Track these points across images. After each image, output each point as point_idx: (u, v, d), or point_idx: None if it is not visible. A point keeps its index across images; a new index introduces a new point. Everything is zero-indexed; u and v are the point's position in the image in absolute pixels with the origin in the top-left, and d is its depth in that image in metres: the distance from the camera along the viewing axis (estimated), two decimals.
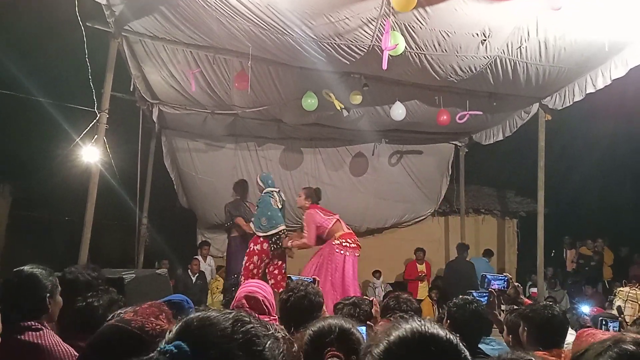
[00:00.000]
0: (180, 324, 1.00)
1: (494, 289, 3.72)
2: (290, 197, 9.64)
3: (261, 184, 6.76)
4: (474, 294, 3.40)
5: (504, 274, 3.98)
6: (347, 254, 6.04)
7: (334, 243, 6.08)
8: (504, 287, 3.76)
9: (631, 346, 0.99)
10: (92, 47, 5.38)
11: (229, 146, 9.45)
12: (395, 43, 4.82)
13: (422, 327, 1.09)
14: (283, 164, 9.70)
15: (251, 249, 6.58)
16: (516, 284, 3.83)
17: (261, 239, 6.51)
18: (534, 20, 5.19)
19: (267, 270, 6.62)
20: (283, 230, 6.49)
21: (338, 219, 6.31)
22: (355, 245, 6.17)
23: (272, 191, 6.70)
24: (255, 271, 6.48)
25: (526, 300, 3.78)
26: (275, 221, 6.45)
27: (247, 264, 6.53)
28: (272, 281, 6.43)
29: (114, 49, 5.95)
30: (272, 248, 6.48)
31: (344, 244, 6.07)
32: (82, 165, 5.66)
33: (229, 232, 8.04)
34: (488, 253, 10.30)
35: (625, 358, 0.98)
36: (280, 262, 6.63)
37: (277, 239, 6.48)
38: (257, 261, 6.52)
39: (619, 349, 0.99)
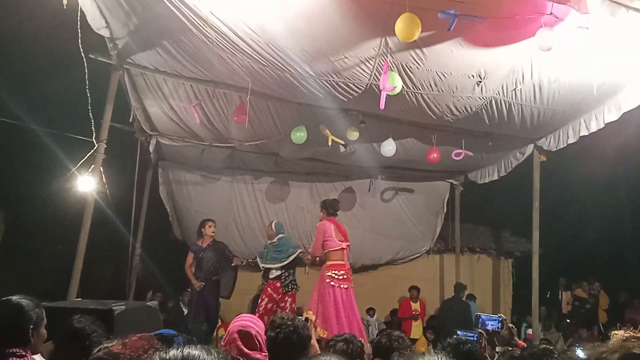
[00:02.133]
0: None
1: (488, 330, 3.68)
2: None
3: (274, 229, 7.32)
4: (459, 333, 3.37)
5: (499, 314, 3.95)
6: (336, 285, 6.17)
7: (326, 274, 6.25)
8: (498, 327, 3.73)
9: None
10: (93, 78, 5.44)
11: (226, 179, 9.46)
12: (393, 85, 4.89)
13: None
14: (279, 197, 9.69)
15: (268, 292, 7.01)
16: (510, 325, 3.79)
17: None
18: (529, 63, 5.28)
19: (279, 306, 6.95)
20: (301, 252, 7.23)
21: (343, 248, 6.41)
22: (345, 277, 6.24)
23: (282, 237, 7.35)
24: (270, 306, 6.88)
25: (520, 342, 3.74)
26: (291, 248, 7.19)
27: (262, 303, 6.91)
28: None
29: (115, 81, 6.03)
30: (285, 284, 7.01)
31: (333, 274, 6.21)
32: (78, 194, 5.65)
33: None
34: (471, 297, 10.19)
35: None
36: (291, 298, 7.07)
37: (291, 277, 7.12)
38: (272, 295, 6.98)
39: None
